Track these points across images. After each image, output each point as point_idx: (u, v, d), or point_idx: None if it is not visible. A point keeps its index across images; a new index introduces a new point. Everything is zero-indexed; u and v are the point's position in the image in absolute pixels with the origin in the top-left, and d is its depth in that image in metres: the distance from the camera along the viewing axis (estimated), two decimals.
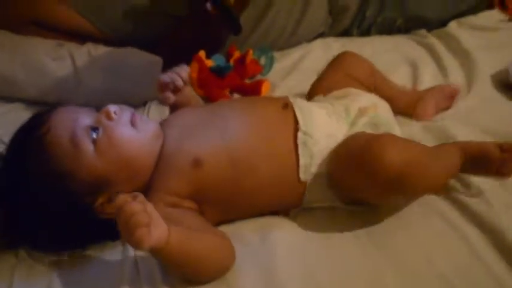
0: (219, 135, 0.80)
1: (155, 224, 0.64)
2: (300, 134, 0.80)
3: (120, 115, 0.78)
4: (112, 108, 0.78)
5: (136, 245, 0.64)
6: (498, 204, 0.76)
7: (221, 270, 0.71)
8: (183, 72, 0.85)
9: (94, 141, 0.75)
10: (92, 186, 0.75)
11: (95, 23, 1.17)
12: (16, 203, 0.76)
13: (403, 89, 1.02)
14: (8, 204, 0.77)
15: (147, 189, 0.78)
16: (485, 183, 0.79)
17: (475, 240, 0.73)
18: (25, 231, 0.77)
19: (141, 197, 0.65)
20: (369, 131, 0.81)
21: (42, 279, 0.76)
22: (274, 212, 0.81)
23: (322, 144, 0.79)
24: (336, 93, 0.91)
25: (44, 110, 0.80)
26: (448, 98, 0.99)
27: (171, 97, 0.84)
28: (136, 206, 0.63)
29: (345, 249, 0.74)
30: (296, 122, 0.81)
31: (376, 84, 0.96)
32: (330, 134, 0.80)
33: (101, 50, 1.10)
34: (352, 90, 0.91)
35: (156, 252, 0.67)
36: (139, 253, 0.76)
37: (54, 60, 1.08)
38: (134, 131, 0.78)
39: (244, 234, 0.77)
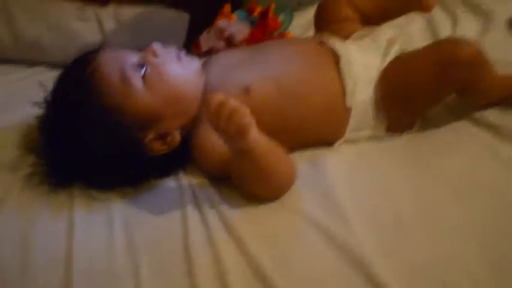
0: (263, 67, 0.83)
1: None
2: (342, 63, 0.84)
3: (166, 52, 0.81)
4: (157, 46, 0.81)
5: (242, 132, 0.67)
6: None
7: (288, 182, 0.75)
8: (244, 29, 0.88)
9: (143, 77, 0.78)
10: (141, 121, 0.77)
11: None
12: (69, 141, 0.78)
13: None
14: (60, 142, 0.79)
15: (196, 125, 0.80)
16: None
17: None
18: (78, 168, 0.79)
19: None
20: None
21: (103, 211, 0.77)
22: (318, 146, 0.84)
23: (361, 73, 0.84)
24: (355, 35, 0.92)
25: (87, 51, 0.82)
26: None
27: (222, 47, 0.88)
28: (236, 102, 0.67)
29: (392, 173, 0.79)
30: (333, 55, 0.85)
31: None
32: (366, 65, 0.85)
33: (126, 10, 1.11)
34: (370, 29, 0.93)
35: (249, 151, 0.70)
36: (195, 181, 0.80)
37: (80, 21, 1.09)
38: (181, 67, 0.81)
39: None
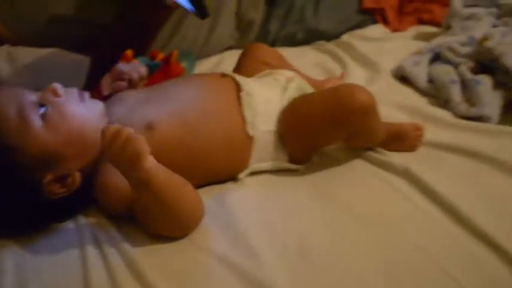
0: (165, 102, 0.84)
1: None
2: (243, 94, 0.87)
3: (67, 92, 0.79)
4: (57, 85, 0.79)
5: (137, 158, 0.67)
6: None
7: (194, 219, 0.74)
8: (141, 68, 0.89)
9: (42, 116, 0.75)
10: (39, 161, 0.74)
11: (15, 30, 1.13)
12: None
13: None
14: None
15: (98, 165, 0.78)
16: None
17: (405, 189, 0.84)
18: None
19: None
20: (297, 95, 0.91)
21: None
22: (222, 182, 0.86)
23: (262, 105, 0.87)
24: (258, 74, 0.98)
25: None
26: None
27: (124, 87, 0.87)
28: (131, 130, 0.67)
29: (297, 204, 0.81)
30: (236, 86, 0.88)
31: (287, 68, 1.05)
32: (267, 98, 0.89)
33: (22, 50, 1.07)
34: (272, 70, 0.99)
35: (147, 181, 0.68)
36: (94, 221, 0.77)
37: None
38: (84, 107, 0.79)
39: None
